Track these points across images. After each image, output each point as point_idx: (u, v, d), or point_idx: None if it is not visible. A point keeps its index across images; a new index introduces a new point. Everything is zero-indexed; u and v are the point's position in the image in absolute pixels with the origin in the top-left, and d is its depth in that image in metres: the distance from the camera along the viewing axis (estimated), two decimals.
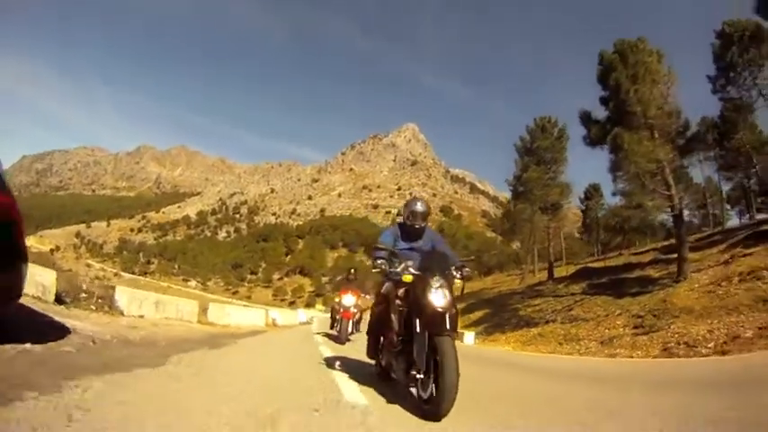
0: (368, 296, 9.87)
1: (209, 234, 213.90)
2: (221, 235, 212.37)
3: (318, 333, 13.59)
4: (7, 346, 3.32)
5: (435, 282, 3.23)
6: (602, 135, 19.07)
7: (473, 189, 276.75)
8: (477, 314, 27.11)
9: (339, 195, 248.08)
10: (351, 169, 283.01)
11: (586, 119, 20.59)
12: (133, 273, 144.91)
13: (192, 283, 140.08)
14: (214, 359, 5.34)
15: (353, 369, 5.16)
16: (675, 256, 18.22)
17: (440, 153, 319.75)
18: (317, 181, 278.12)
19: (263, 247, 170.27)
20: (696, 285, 15.03)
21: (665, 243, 30.37)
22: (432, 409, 2.96)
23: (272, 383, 3.95)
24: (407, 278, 3.47)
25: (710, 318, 11.59)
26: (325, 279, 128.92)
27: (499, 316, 24.76)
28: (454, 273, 3.69)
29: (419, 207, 4.32)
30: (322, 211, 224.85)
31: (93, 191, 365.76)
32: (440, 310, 3.11)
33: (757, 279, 12.74)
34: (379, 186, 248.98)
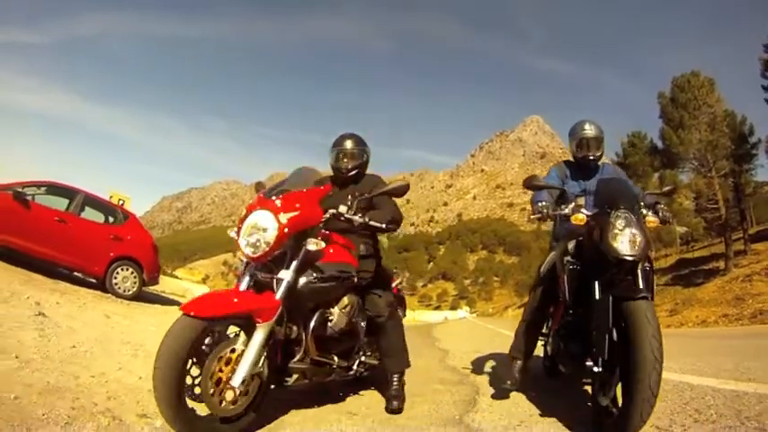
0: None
1: None
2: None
3: None
4: None
5: (619, 218, 2.07)
6: None
7: None
8: None
9: (474, 198, 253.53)
10: (482, 170, 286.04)
11: None
12: None
13: None
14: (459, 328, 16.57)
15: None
16: None
17: (568, 141, 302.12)
18: (450, 186, 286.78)
19: (405, 258, 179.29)
20: None
21: None
22: (615, 426, 1.83)
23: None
24: (578, 219, 2.31)
25: None
26: (467, 282, 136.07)
27: None
28: (644, 212, 2.36)
29: (588, 130, 3.03)
30: (459, 215, 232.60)
31: (234, 221, 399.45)
32: (628, 258, 2.00)
33: None
34: (511, 184, 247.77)
